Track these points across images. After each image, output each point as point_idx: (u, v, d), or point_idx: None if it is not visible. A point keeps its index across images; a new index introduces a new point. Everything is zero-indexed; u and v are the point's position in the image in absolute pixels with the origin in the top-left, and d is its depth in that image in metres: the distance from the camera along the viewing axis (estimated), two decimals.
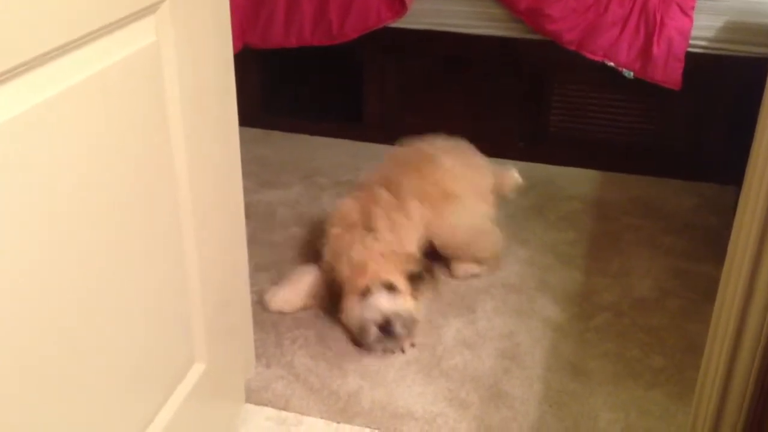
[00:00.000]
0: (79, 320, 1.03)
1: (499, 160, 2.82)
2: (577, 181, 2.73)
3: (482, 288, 2.14)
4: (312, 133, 3.04)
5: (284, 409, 1.72)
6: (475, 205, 2.14)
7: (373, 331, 1.83)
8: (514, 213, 2.52)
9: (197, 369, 1.42)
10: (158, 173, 1.19)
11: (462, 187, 2.12)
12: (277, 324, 1.97)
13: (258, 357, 1.83)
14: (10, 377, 0.90)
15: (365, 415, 1.70)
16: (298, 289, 2.01)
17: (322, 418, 1.70)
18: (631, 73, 2.59)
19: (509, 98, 2.81)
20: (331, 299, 1.93)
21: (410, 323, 1.86)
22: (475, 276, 2.14)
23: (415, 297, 1.90)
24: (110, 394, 1.14)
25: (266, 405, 1.73)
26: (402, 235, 1.99)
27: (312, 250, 2.18)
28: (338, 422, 1.69)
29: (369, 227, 1.97)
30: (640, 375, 1.81)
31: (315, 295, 2.00)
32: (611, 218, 2.49)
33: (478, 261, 2.15)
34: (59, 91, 0.92)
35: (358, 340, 1.88)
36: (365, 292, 1.85)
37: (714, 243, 2.34)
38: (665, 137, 2.72)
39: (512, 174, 2.38)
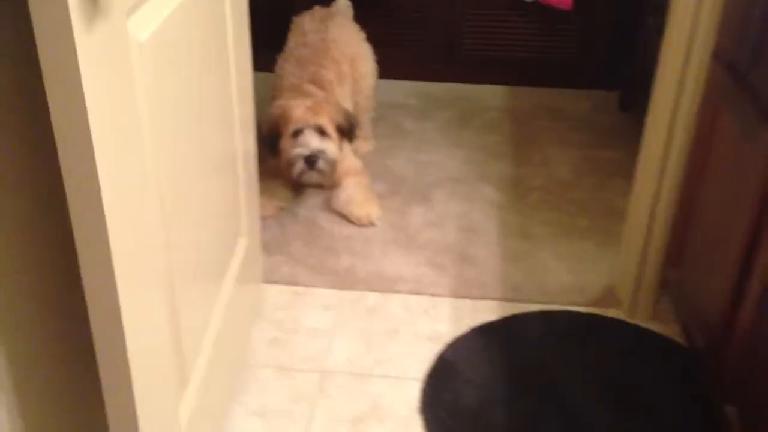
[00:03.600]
0: (195, 184, 1.29)
1: (421, 82, 3.21)
2: (491, 95, 3.14)
3: (432, 182, 2.51)
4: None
5: (294, 284, 2.03)
6: (370, 51, 2.64)
7: (300, 164, 2.21)
8: (443, 125, 2.89)
9: (242, 243, 1.69)
10: (225, 77, 1.45)
11: (361, 44, 2.60)
12: (265, 220, 2.25)
13: None
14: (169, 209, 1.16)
15: (363, 282, 2.04)
16: (269, 200, 2.30)
17: (327, 288, 2.02)
18: None
19: (426, 24, 3.15)
20: (272, 146, 2.27)
21: (333, 163, 2.25)
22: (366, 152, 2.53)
23: (341, 146, 2.28)
24: (212, 245, 1.40)
25: (278, 283, 2.03)
26: (333, 95, 2.38)
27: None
28: (342, 289, 2.02)
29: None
30: (573, 232, 2.25)
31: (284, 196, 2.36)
32: (525, 122, 2.92)
33: (368, 136, 2.63)
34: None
35: (288, 176, 2.26)
36: (297, 133, 2.22)
37: (609, 135, 2.83)
38: (561, 52, 3.17)
39: (345, 2, 2.74)
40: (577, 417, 1.63)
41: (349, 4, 2.73)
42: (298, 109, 2.22)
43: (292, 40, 2.53)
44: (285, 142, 2.23)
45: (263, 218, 2.25)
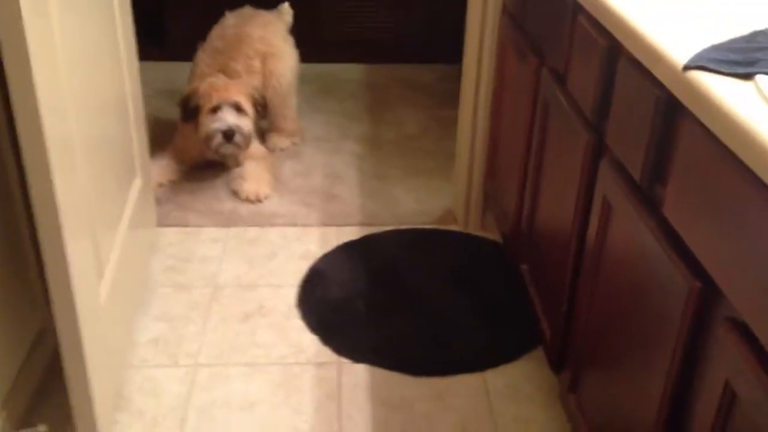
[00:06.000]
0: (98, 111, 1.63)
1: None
2: (350, 72, 3.57)
3: (300, 142, 2.90)
4: None
5: (185, 226, 2.37)
6: (289, 51, 2.87)
7: (218, 138, 2.46)
8: (307, 97, 3.29)
9: (137, 183, 2.02)
10: (112, 29, 1.78)
11: (276, 44, 2.82)
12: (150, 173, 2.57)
13: None
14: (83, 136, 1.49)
15: (246, 220, 2.41)
16: (172, 162, 2.60)
17: (215, 227, 2.37)
18: None
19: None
20: (189, 116, 2.53)
21: (248, 137, 2.51)
22: (282, 149, 2.80)
23: (255, 121, 2.55)
24: (115, 179, 1.73)
25: (171, 226, 2.36)
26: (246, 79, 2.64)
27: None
28: (228, 227, 2.37)
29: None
30: (420, 172, 2.71)
31: (181, 159, 2.62)
32: (381, 91, 3.37)
33: (288, 134, 2.88)
34: None
35: (207, 149, 2.52)
36: (216, 109, 2.47)
37: (452, 99, 3.26)
38: (410, 33, 3.64)
39: (286, 7, 2.99)
40: (421, 299, 2.06)
41: (290, 11, 2.96)
42: (217, 87, 2.47)
43: (213, 33, 2.78)
44: (204, 117, 2.47)
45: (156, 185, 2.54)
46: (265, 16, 2.89)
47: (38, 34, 1.22)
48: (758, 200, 0.83)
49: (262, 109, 2.60)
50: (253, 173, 2.57)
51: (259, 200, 2.51)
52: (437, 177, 2.68)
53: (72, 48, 1.43)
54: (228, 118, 2.46)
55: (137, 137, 2.00)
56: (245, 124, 2.50)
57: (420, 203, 2.53)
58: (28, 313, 1.69)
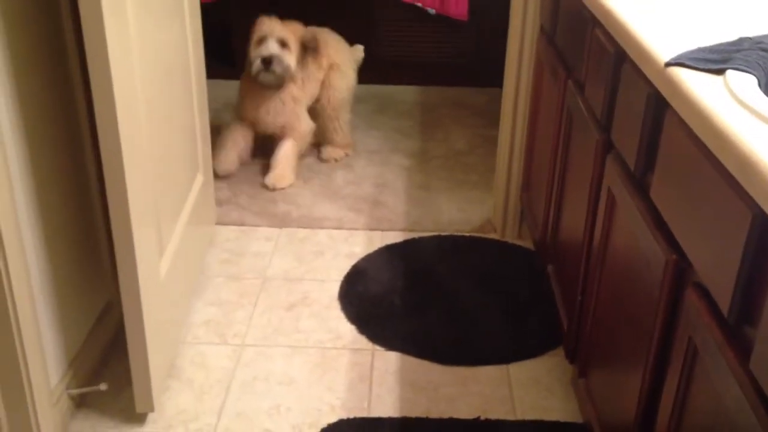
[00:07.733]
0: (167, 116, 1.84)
1: None
2: (405, 93, 3.75)
3: (353, 154, 3.08)
4: None
5: (242, 225, 2.56)
6: (350, 74, 3.08)
7: (257, 64, 2.67)
8: (364, 114, 3.48)
9: (199, 179, 2.23)
10: (185, 56, 2.00)
11: (341, 62, 3.03)
12: (219, 182, 2.78)
13: None
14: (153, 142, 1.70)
15: (297, 222, 2.59)
16: (232, 151, 2.82)
17: (269, 227, 2.56)
18: (433, 11, 3.63)
19: (346, 34, 3.75)
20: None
21: (287, 68, 2.70)
22: (337, 159, 3.01)
23: (299, 59, 2.76)
24: (179, 173, 1.94)
25: (228, 225, 2.56)
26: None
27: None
28: (281, 227, 2.56)
29: None
30: (464, 184, 2.85)
31: (245, 149, 2.85)
32: (433, 111, 3.54)
33: (341, 146, 3.07)
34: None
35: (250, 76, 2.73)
36: (262, 41, 2.69)
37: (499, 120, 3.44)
38: (463, 57, 3.81)
39: (359, 47, 3.25)
40: (454, 298, 2.19)
41: (362, 52, 3.20)
42: (266, 22, 2.71)
43: None
44: (251, 48, 2.73)
45: (220, 177, 2.77)
46: (341, 41, 3.11)
47: (117, 41, 1.43)
48: (719, 182, 0.95)
49: (314, 50, 2.78)
50: (281, 161, 2.79)
51: (275, 189, 2.74)
52: (480, 189, 2.81)
53: (146, 55, 1.64)
54: (270, 47, 2.67)
55: (201, 139, 2.21)
56: (285, 56, 2.68)
57: (462, 213, 2.66)
58: (98, 287, 1.90)
